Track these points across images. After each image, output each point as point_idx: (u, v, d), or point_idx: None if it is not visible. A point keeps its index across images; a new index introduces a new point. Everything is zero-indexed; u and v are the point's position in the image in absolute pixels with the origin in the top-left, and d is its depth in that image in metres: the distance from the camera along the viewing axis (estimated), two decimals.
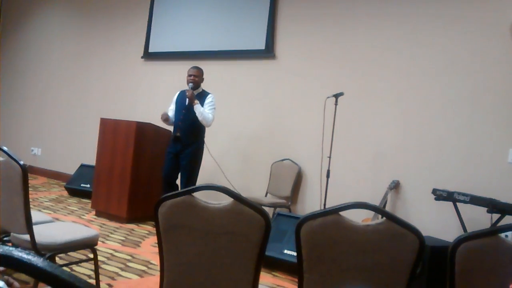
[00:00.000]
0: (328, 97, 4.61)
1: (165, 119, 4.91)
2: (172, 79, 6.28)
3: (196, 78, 4.89)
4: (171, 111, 5.03)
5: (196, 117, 4.78)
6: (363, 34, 4.93)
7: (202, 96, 4.90)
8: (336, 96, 4.56)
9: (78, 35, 7.73)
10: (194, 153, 4.89)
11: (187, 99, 4.87)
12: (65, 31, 7.95)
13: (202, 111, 4.77)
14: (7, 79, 8.73)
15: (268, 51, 5.55)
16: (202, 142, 4.99)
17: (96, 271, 2.88)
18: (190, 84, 4.84)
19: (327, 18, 5.19)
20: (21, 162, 2.34)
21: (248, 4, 5.78)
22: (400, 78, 4.67)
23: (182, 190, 1.69)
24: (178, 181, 5.04)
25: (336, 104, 4.55)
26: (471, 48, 4.29)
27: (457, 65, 4.35)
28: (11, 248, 0.60)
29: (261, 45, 5.61)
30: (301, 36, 5.37)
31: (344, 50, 5.05)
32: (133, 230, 4.87)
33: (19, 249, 0.61)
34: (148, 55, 6.72)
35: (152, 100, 6.49)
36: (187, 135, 4.85)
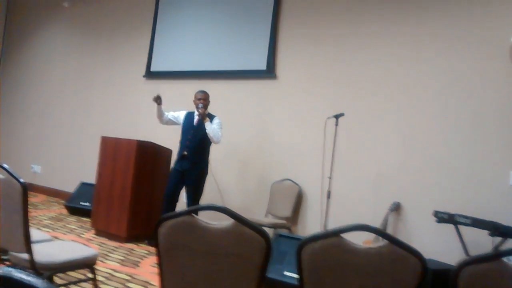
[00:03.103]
0: (328, 118, 4.62)
1: (157, 98, 5.03)
2: (174, 99, 6.30)
3: (205, 101, 5.06)
4: (170, 115, 5.24)
5: (203, 138, 4.96)
6: (364, 55, 4.97)
7: (209, 119, 5.04)
8: (337, 116, 4.57)
9: (80, 53, 7.80)
10: (201, 173, 5.06)
11: (195, 120, 5.05)
12: (67, 49, 8.02)
13: (214, 128, 4.94)
14: (8, 96, 8.77)
15: (269, 71, 5.59)
16: (207, 162, 5.14)
17: None
18: (200, 105, 4.99)
19: (328, 39, 5.24)
20: (21, 180, 2.33)
21: (250, 24, 5.84)
22: (400, 99, 4.69)
23: (182, 210, 1.68)
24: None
25: (336, 125, 4.56)
26: (472, 70, 4.32)
27: (458, 87, 4.38)
28: (10, 269, 0.60)
29: (262, 65, 5.65)
30: (302, 56, 5.41)
31: (345, 70, 5.08)
32: (132, 249, 4.84)
33: (19, 269, 0.60)
34: (150, 74, 6.76)
35: (153, 119, 6.47)
36: (195, 154, 5.00)
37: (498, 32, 4.20)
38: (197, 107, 5.01)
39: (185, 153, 5.00)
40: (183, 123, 5.17)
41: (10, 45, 9.00)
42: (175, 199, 5.03)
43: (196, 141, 4.99)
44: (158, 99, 5.04)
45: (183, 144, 5.06)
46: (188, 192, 5.04)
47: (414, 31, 4.67)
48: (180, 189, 5.06)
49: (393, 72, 4.77)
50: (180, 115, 5.24)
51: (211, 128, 4.92)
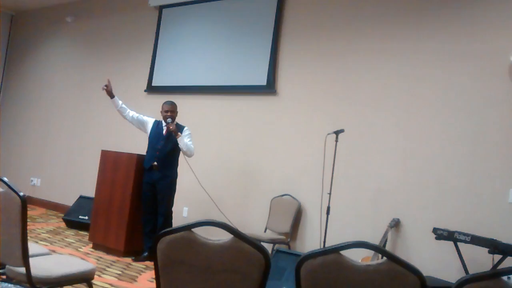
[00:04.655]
0: (328, 134, 4.63)
1: (108, 88, 5.09)
2: None
3: (173, 113, 5.04)
4: (139, 116, 5.22)
5: (174, 148, 4.99)
6: (364, 71, 4.99)
7: (178, 130, 5.00)
8: (337, 132, 4.58)
9: (82, 67, 7.85)
10: (172, 183, 5.08)
11: (164, 131, 5.06)
12: (69, 64, 8.07)
13: (186, 143, 4.94)
14: (9, 109, 8.81)
15: (269, 87, 5.61)
16: (177, 172, 5.15)
17: None
18: (169, 119, 4.96)
19: (328, 55, 5.27)
20: (21, 194, 2.33)
21: (251, 40, 5.89)
22: (400, 115, 4.71)
23: (181, 226, 1.68)
24: None
25: (336, 141, 4.57)
26: (472, 87, 4.34)
27: (458, 104, 4.39)
28: (9, 285, 0.60)
29: (262, 81, 5.67)
30: (302, 72, 5.44)
31: (345, 87, 5.10)
32: (130, 264, 4.81)
33: (18, 286, 0.60)
34: (152, 89, 6.79)
35: None
36: (165, 165, 5.01)
37: (498, 50, 4.23)
38: (166, 121, 4.98)
39: (155, 163, 4.98)
40: (151, 132, 5.16)
41: (13, 59, 9.07)
42: (153, 211, 5.04)
43: (166, 152, 5.00)
44: (109, 93, 5.07)
45: (152, 154, 5.03)
46: (160, 204, 5.01)
47: (414, 48, 4.71)
48: (156, 200, 5.05)
49: (393, 89, 4.79)
50: (148, 122, 5.22)
51: (184, 143, 4.91)
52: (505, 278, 1.48)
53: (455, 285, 1.50)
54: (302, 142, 5.30)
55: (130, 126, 6.86)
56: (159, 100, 6.67)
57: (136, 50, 7.14)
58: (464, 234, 3.78)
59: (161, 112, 5.08)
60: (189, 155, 5.00)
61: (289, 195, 5.27)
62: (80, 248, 5.26)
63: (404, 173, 4.60)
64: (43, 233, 5.80)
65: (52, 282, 2.50)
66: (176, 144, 4.94)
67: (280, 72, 5.62)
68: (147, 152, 5.12)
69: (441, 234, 3.94)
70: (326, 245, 4.40)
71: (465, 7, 4.47)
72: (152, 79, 6.81)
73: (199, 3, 6.48)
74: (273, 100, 5.61)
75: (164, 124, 5.05)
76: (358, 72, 5.03)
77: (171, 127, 4.91)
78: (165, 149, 5.00)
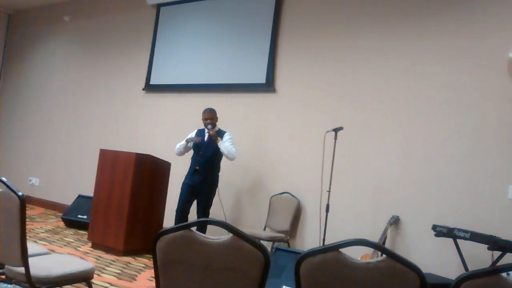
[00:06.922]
0: (327, 131, 4.63)
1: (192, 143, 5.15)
2: (173, 112, 6.33)
3: (212, 120, 5.15)
4: (181, 143, 5.22)
5: (214, 153, 5.08)
6: (363, 69, 4.99)
7: (220, 135, 5.12)
8: (336, 130, 4.58)
9: (80, 66, 7.83)
10: (211, 186, 5.17)
11: (205, 137, 5.15)
12: (67, 63, 8.05)
13: (227, 146, 5.04)
14: (8, 108, 8.78)
15: (268, 85, 5.61)
16: (218, 176, 5.22)
17: None
18: (209, 126, 5.08)
19: (327, 53, 5.27)
20: (20, 193, 2.32)
21: (249, 38, 5.88)
22: (399, 113, 4.71)
23: (180, 225, 1.68)
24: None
25: (335, 138, 4.57)
26: (471, 84, 4.34)
27: (457, 101, 4.39)
28: (9, 286, 0.60)
29: (261, 79, 5.67)
30: (301, 70, 5.44)
31: (344, 84, 5.10)
32: (129, 263, 4.81)
33: (18, 286, 0.60)
34: (150, 87, 6.78)
35: (152, 132, 6.51)
36: (206, 169, 5.10)
37: (497, 46, 4.23)
38: (206, 127, 5.10)
39: (197, 168, 5.08)
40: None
41: (11, 59, 9.04)
42: (186, 212, 5.11)
43: (207, 157, 5.08)
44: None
45: (195, 160, 5.15)
46: (198, 205, 5.12)
47: (413, 45, 4.71)
48: (191, 203, 5.14)
49: (392, 86, 4.79)
50: (193, 135, 5.31)
51: (224, 147, 5.01)
52: (504, 274, 1.48)
53: (455, 282, 1.50)
54: (301, 140, 5.30)
55: (129, 125, 6.89)
56: (157, 99, 6.69)
57: (134, 48, 7.12)
58: (464, 231, 3.79)
59: (202, 119, 5.17)
60: (230, 158, 5.07)
61: (288, 193, 5.27)
62: (79, 247, 5.25)
63: (403, 170, 4.60)
64: (42, 232, 5.80)
65: (51, 281, 2.49)
66: (217, 149, 5.03)
67: (279, 70, 5.61)
68: (191, 158, 5.22)
69: (441, 231, 3.94)
70: (326, 243, 4.40)
71: (464, 4, 4.47)
72: (150, 77, 6.80)
73: (197, 1, 6.47)
74: (272, 98, 5.61)
75: (206, 131, 5.14)
76: (357, 69, 5.03)
77: (211, 132, 5.02)
78: (206, 154, 5.08)
